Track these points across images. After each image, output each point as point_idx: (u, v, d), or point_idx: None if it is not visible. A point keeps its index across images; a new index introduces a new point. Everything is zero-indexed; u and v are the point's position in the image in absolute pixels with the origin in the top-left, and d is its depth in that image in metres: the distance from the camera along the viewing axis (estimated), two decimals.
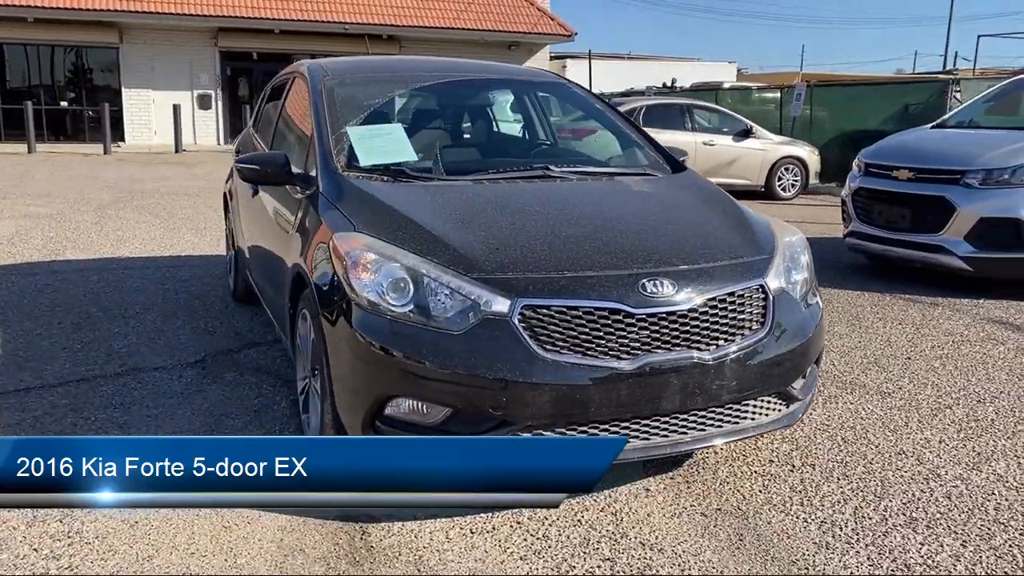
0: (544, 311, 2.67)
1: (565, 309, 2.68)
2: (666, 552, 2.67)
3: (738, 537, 2.76)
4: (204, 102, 23.11)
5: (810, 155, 13.65)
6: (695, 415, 2.83)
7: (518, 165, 3.79)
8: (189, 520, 2.78)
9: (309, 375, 3.19)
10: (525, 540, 2.73)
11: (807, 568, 2.60)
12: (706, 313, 2.81)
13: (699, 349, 2.77)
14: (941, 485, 3.14)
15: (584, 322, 2.68)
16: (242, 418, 3.71)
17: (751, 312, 2.93)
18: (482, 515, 2.87)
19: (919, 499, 3.03)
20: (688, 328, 2.78)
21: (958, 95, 14.98)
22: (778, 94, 17.61)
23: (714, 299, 2.84)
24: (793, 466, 3.28)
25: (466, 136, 4.55)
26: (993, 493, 3.09)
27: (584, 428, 2.70)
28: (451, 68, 4.65)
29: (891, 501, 3.01)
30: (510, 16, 24.53)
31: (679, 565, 2.60)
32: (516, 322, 2.65)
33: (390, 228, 2.96)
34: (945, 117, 8.29)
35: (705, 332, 2.80)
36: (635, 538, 2.75)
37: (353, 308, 2.76)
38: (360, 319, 2.73)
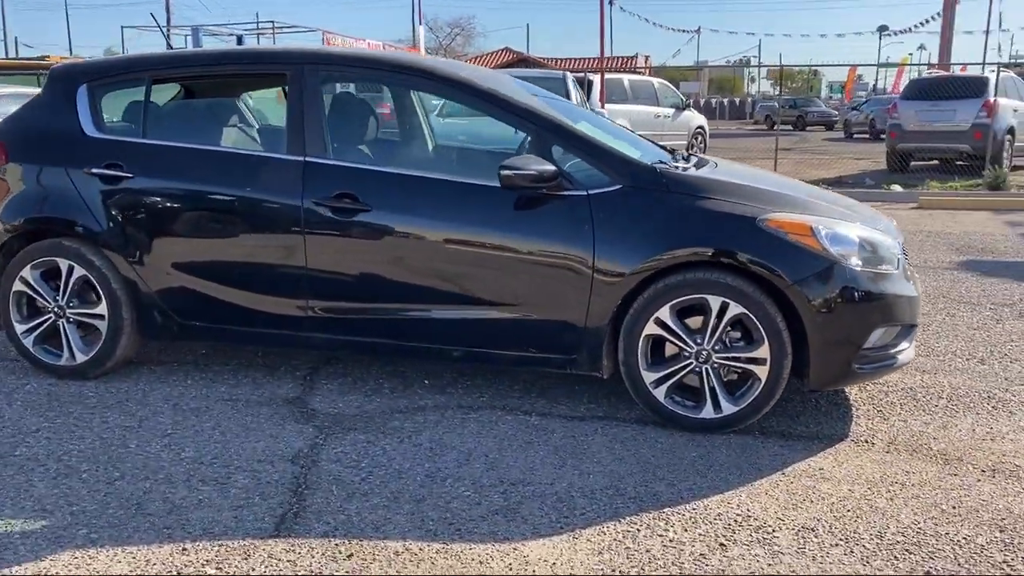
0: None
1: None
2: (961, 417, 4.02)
3: (976, 399, 4.22)
4: None
5: None
6: None
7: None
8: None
9: (708, 352, 3.60)
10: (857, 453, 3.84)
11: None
12: None
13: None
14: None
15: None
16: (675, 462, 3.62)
17: None
18: None
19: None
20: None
21: None
22: None
23: None
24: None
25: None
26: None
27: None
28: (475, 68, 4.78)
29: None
30: None
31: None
32: (900, 255, 3.83)
33: (788, 206, 3.70)
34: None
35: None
36: (937, 401, 4.14)
37: (846, 272, 3.52)
38: (855, 278, 3.53)
